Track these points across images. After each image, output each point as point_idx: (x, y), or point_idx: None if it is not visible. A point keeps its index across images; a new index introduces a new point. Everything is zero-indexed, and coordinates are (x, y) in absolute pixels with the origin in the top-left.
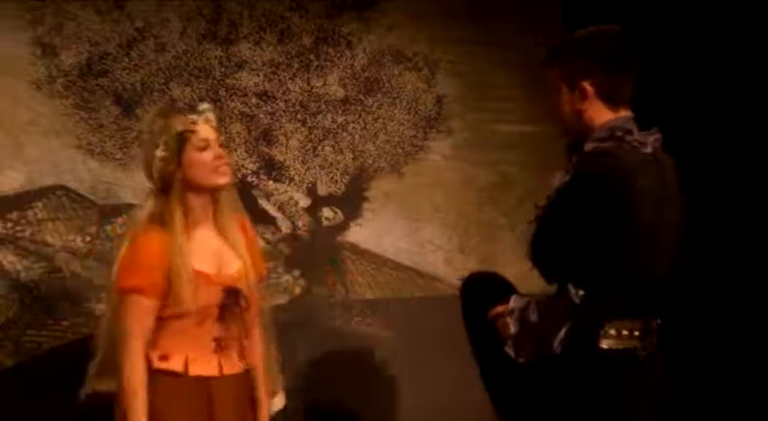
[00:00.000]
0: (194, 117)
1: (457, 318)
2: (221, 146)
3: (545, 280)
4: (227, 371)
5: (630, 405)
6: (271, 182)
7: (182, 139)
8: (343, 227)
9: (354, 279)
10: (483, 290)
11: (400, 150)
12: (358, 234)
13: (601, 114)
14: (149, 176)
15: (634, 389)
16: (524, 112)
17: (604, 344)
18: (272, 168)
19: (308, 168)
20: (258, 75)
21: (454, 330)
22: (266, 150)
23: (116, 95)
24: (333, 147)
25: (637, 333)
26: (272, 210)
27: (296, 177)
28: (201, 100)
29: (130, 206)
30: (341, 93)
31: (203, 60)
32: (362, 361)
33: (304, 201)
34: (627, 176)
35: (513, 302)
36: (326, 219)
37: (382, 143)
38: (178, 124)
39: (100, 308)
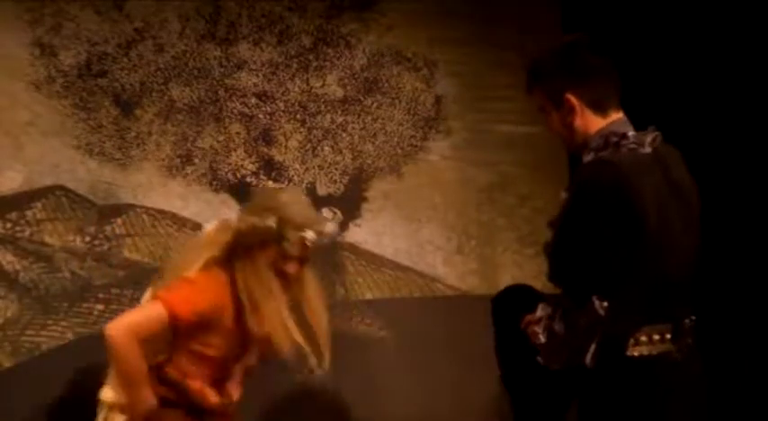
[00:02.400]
0: (311, 237)
1: (455, 319)
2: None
3: (571, 298)
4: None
5: (669, 407)
6: (270, 182)
7: (279, 243)
8: (342, 227)
9: (354, 279)
10: (515, 298)
11: (399, 150)
12: (357, 234)
13: (592, 122)
14: (241, 220)
15: (672, 391)
16: (523, 113)
17: (637, 352)
18: (272, 168)
19: (308, 168)
20: (257, 75)
21: (453, 330)
22: (265, 150)
23: (115, 96)
24: (332, 147)
25: (668, 336)
26: None
27: (295, 177)
28: (202, 101)
29: (130, 206)
30: (340, 93)
31: (202, 60)
32: (361, 361)
33: None
34: (626, 182)
35: (541, 310)
36: (326, 219)
37: (381, 143)
38: (293, 227)
39: (99, 308)
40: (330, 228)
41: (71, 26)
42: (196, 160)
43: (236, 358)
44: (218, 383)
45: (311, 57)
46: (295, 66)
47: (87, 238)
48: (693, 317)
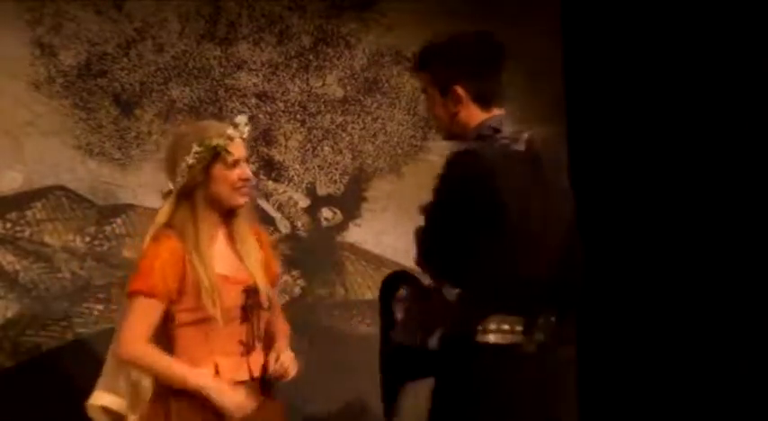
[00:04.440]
0: (232, 132)
1: None
2: (247, 162)
3: (431, 281)
4: (257, 374)
5: (509, 397)
6: (270, 182)
7: (215, 153)
8: (342, 227)
9: (354, 279)
10: (398, 281)
11: (399, 150)
12: (357, 234)
13: (474, 115)
14: (172, 179)
15: (513, 382)
16: (522, 113)
17: (485, 339)
18: (272, 168)
19: (308, 168)
20: (257, 75)
21: None
22: (265, 150)
23: (115, 96)
24: (332, 147)
25: (519, 328)
26: (272, 211)
27: (295, 177)
28: (202, 101)
29: (130, 206)
30: (340, 93)
31: (202, 60)
32: (362, 361)
33: (303, 202)
34: (486, 175)
35: (402, 291)
36: (326, 219)
37: (381, 143)
38: (215, 136)
39: (99, 308)
40: (241, 118)
41: (71, 26)
42: None
43: (235, 320)
44: (240, 359)
45: (311, 57)
46: (295, 66)
47: (87, 238)
48: (552, 317)
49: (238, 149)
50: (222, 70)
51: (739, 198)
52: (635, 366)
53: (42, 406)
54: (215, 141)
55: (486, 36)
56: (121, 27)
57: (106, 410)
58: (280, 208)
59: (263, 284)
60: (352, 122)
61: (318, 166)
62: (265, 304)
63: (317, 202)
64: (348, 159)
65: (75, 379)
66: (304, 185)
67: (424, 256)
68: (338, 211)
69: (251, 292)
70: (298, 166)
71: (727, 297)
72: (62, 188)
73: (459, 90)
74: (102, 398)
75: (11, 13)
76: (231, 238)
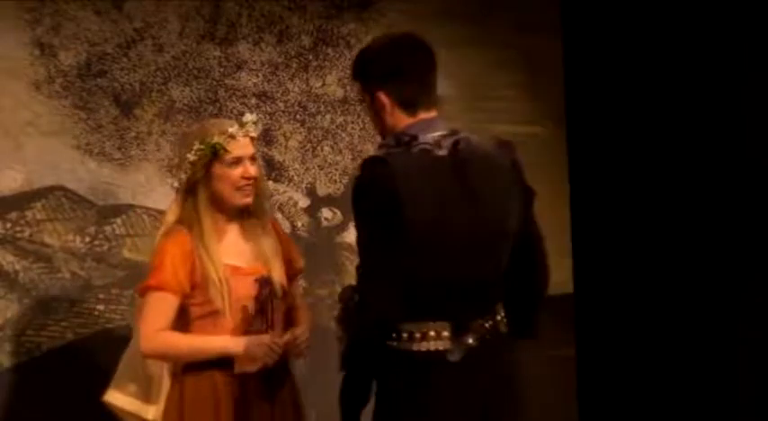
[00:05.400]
0: (233, 130)
1: None
2: (253, 160)
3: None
4: (272, 364)
5: (437, 404)
6: (270, 182)
7: (214, 151)
8: (342, 227)
9: (353, 279)
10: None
11: None
12: None
13: (400, 120)
14: (177, 176)
15: (442, 388)
16: (522, 113)
17: (409, 346)
18: (272, 168)
19: (307, 168)
20: (257, 75)
21: None
22: (265, 150)
23: (115, 96)
24: (332, 147)
25: (446, 333)
26: (272, 211)
27: (295, 177)
28: (202, 101)
29: (129, 206)
30: (340, 93)
31: (202, 61)
32: None
33: (303, 202)
34: (392, 181)
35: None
36: (326, 219)
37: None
38: (215, 134)
39: (99, 308)
40: (249, 116)
41: (71, 26)
42: None
43: (247, 310)
44: None
45: (311, 57)
46: (295, 66)
47: (87, 239)
48: (497, 317)
49: (241, 148)
50: (222, 70)
51: (739, 198)
52: (633, 365)
53: (42, 406)
54: (215, 139)
55: (407, 39)
56: (121, 27)
57: (119, 409)
58: (280, 208)
59: (277, 275)
60: (352, 122)
61: (318, 166)
62: (279, 294)
63: (316, 202)
64: (348, 159)
65: (75, 379)
66: (304, 185)
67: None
68: (338, 212)
69: (264, 282)
70: (298, 166)
71: (726, 296)
72: (62, 188)
73: (382, 96)
74: (113, 396)
75: (10, 13)
76: (246, 230)
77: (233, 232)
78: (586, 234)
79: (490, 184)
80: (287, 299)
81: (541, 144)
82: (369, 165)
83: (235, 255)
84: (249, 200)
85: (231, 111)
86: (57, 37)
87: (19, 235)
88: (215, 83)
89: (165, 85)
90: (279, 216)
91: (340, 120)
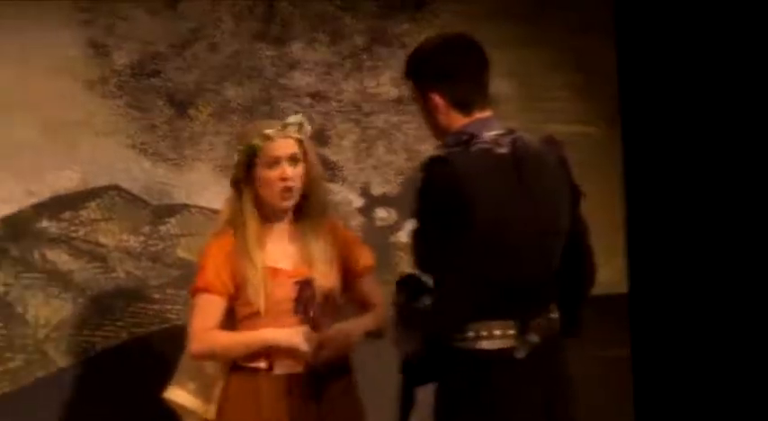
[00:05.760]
0: (271, 132)
1: None
2: (304, 161)
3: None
4: (315, 362)
5: (507, 402)
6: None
7: (251, 153)
8: (396, 227)
9: None
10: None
11: None
12: None
13: (454, 120)
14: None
15: (510, 386)
16: (576, 112)
17: (478, 345)
18: (326, 168)
19: (362, 168)
20: (311, 75)
21: None
22: (319, 150)
23: (169, 95)
24: (386, 147)
25: (511, 332)
26: None
27: (349, 177)
28: (256, 101)
29: (184, 206)
30: (394, 93)
31: (256, 60)
32: None
33: (357, 201)
34: (456, 180)
35: (396, 295)
36: (380, 219)
37: (436, 143)
38: (255, 135)
39: (154, 308)
40: (292, 118)
41: (124, 26)
42: None
43: (287, 312)
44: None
45: (365, 56)
46: (348, 65)
47: (142, 238)
48: (551, 316)
49: (280, 148)
50: (276, 70)
51: None
52: (689, 365)
53: (97, 406)
54: (253, 141)
55: (459, 39)
56: (175, 27)
57: (180, 405)
58: (334, 208)
59: (323, 277)
60: (407, 122)
61: (373, 166)
62: (321, 296)
63: (371, 202)
64: (402, 159)
65: (130, 379)
66: (358, 185)
67: (415, 261)
68: (393, 211)
69: (304, 285)
70: (352, 166)
71: None
72: (116, 188)
73: (435, 96)
74: (173, 393)
75: (64, 13)
76: (295, 232)
77: (280, 234)
78: (641, 233)
79: (545, 183)
80: (333, 300)
81: (595, 144)
82: (432, 164)
83: (279, 257)
84: (288, 203)
85: (284, 111)
86: (111, 37)
87: (74, 234)
88: (269, 82)
89: (220, 85)
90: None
91: (394, 119)
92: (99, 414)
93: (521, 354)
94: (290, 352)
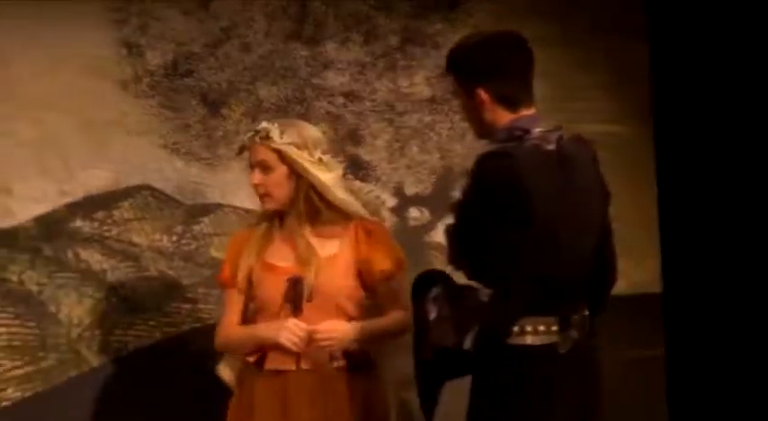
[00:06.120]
0: (245, 137)
1: None
2: (289, 168)
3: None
4: (306, 365)
5: (549, 397)
6: (357, 181)
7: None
8: (429, 227)
9: None
10: (429, 280)
11: None
12: None
13: (501, 117)
14: None
15: (552, 382)
16: (607, 112)
17: (519, 341)
18: (359, 168)
19: (395, 168)
20: (344, 74)
21: None
22: (353, 150)
23: (202, 95)
24: (420, 146)
25: (554, 328)
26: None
27: (382, 177)
28: (289, 100)
29: (218, 205)
30: (428, 92)
31: (289, 60)
32: None
33: (391, 201)
34: (518, 176)
35: (434, 290)
36: (413, 218)
37: (469, 143)
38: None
39: (186, 307)
40: (261, 125)
41: (157, 26)
42: None
43: (284, 310)
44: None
45: (398, 56)
46: (382, 65)
47: (174, 238)
48: (585, 313)
49: (252, 154)
50: (309, 69)
51: None
52: (723, 365)
53: (130, 405)
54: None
55: (509, 36)
56: (208, 26)
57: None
58: (366, 207)
59: (319, 278)
60: (440, 122)
61: (406, 166)
62: (313, 297)
63: (404, 202)
64: (436, 158)
65: (163, 378)
66: (391, 185)
67: (458, 256)
68: (426, 211)
69: (293, 283)
70: (385, 166)
71: None
72: (149, 187)
73: (482, 92)
74: (221, 371)
75: (97, 13)
76: (304, 233)
77: (289, 233)
78: (674, 232)
79: (584, 181)
80: (333, 301)
81: (626, 143)
82: (493, 158)
83: (280, 254)
84: (268, 206)
85: (318, 111)
86: (143, 36)
87: (106, 234)
88: (302, 82)
89: (253, 85)
90: (366, 215)
91: (428, 119)
92: (131, 413)
93: (564, 350)
94: (279, 347)
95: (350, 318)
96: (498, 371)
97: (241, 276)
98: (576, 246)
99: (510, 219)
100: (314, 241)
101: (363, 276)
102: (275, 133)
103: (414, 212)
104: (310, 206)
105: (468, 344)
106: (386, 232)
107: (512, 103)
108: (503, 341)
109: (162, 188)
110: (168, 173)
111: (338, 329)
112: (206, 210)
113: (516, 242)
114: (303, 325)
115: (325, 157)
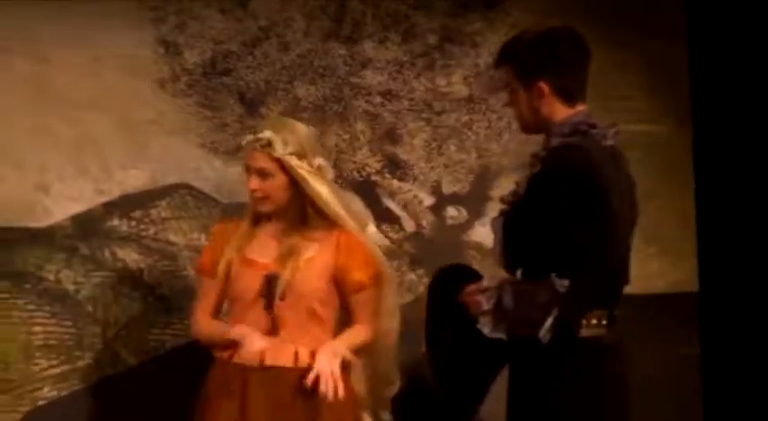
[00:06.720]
0: (244, 141)
1: None
2: (287, 176)
3: (508, 271)
4: (270, 362)
5: (598, 389)
6: (395, 180)
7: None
8: (467, 226)
9: None
10: (452, 275)
11: (526, 149)
12: (483, 233)
13: (558, 110)
14: None
15: (601, 374)
16: (645, 111)
17: (586, 333)
18: (397, 167)
19: (433, 167)
20: (382, 73)
21: None
22: (390, 149)
23: (240, 94)
24: (457, 145)
25: (604, 321)
26: (397, 209)
27: (420, 176)
28: (327, 99)
29: None
30: (465, 91)
31: (327, 59)
32: None
33: (428, 200)
34: (595, 168)
35: (487, 281)
36: (451, 218)
37: (507, 142)
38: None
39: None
40: (263, 133)
41: (195, 25)
42: None
43: (257, 304)
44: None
45: (436, 55)
46: (420, 64)
47: None
48: (617, 309)
49: (250, 160)
50: (347, 69)
51: None
52: (759, 365)
53: (166, 404)
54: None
55: (571, 33)
56: (246, 25)
57: None
58: (405, 206)
59: (295, 278)
60: (478, 121)
61: (444, 165)
62: (281, 294)
63: (442, 201)
64: (473, 158)
65: (199, 377)
66: (429, 184)
67: (521, 247)
68: (463, 210)
69: (268, 278)
70: (423, 165)
71: None
72: (187, 186)
73: (543, 85)
74: None
75: (135, 12)
76: (289, 234)
77: (274, 231)
78: (712, 231)
79: (630, 177)
80: (306, 302)
81: (665, 143)
82: (570, 152)
83: (261, 251)
84: (262, 208)
85: (356, 110)
86: (181, 35)
87: (144, 233)
88: (340, 81)
89: (291, 84)
90: (404, 214)
91: (465, 118)
92: (168, 412)
93: (610, 342)
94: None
95: (320, 322)
96: (558, 362)
97: (221, 267)
98: (626, 241)
99: (588, 211)
100: (297, 242)
101: (338, 283)
102: (278, 144)
103: (451, 211)
104: (303, 213)
105: (543, 334)
106: (367, 246)
107: (570, 98)
108: (573, 332)
109: (199, 187)
110: (206, 172)
111: (330, 371)
112: (243, 208)
113: (594, 232)
114: (264, 342)
115: (323, 163)
